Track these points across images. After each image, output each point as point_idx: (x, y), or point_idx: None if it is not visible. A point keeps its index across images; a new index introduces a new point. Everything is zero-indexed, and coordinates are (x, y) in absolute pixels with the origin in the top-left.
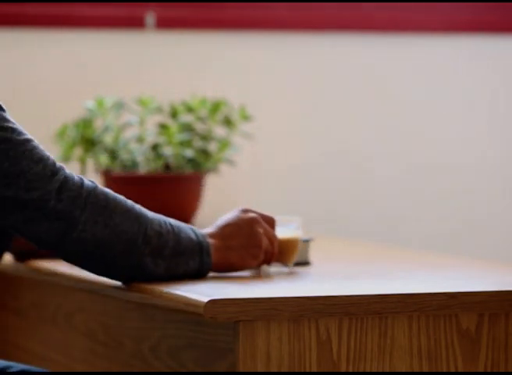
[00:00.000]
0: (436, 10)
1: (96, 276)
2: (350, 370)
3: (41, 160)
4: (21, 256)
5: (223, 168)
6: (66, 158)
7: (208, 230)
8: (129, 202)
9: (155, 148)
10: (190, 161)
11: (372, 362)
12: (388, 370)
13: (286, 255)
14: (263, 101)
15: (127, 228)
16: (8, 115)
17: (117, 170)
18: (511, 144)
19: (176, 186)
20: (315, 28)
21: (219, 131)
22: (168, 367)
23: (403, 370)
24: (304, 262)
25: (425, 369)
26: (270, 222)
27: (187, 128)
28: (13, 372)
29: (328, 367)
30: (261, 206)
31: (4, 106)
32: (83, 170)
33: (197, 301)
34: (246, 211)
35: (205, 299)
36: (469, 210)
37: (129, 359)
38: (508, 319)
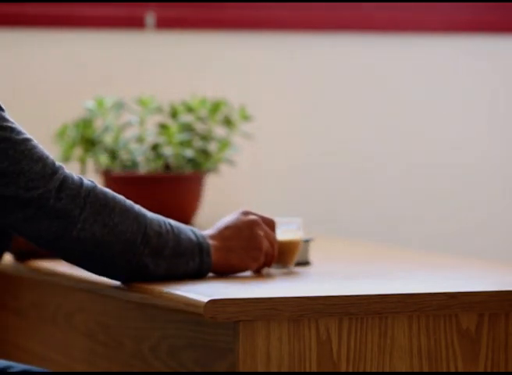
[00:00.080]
0: (436, 10)
1: (96, 276)
2: (350, 370)
3: (41, 159)
4: (21, 256)
5: (223, 168)
6: (66, 158)
7: (208, 231)
8: (129, 202)
9: (155, 148)
10: (190, 161)
11: (372, 362)
12: (388, 370)
13: (286, 256)
14: (263, 101)
15: (126, 228)
16: (7, 114)
17: (117, 170)
18: (511, 144)
19: (176, 186)
20: (315, 28)
21: (219, 131)
22: (168, 367)
23: (403, 370)
24: (304, 262)
25: (425, 369)
26: (270, 224)
27: (187, 128)
28: (14, 372)
29: (328, 367)
30: (261, 206)
31: (3, 106)
32: (83, 170)
33: (197, 301)
34: (246, 213)
35: (205, 299)
36: (469, 210)
37: (129, 359)
38: (508, 319)
